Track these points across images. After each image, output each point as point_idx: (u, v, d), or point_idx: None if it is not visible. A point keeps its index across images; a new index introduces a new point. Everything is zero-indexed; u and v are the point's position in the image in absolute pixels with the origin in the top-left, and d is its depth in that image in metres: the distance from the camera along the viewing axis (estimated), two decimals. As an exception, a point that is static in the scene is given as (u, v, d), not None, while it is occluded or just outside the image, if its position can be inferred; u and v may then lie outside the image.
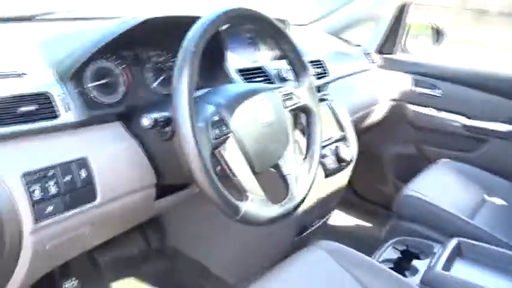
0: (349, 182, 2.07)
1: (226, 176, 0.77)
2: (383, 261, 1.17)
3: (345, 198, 2.05)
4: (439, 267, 1.05)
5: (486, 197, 1.44)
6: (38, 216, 0.70)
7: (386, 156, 2.00)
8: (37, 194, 0.70)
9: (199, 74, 1.06)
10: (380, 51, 1.97)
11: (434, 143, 1.87)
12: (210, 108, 0.76)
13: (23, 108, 0.73)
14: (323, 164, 1.23)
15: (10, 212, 0.68)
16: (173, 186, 0.96)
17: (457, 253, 1.15)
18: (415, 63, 1.92)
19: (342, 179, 1.37)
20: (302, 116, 1.00)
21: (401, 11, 1.88)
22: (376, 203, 2.02)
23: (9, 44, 0.90)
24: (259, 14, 0.85)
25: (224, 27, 0.96)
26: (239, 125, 0.79)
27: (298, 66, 0.96)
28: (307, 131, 0.98)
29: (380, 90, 1.83)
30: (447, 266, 1.08)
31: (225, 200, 0.71)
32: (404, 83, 1.90)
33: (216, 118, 0.75)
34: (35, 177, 0.70)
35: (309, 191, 0.90)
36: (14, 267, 0.75)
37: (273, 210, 0.80)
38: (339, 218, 2.03)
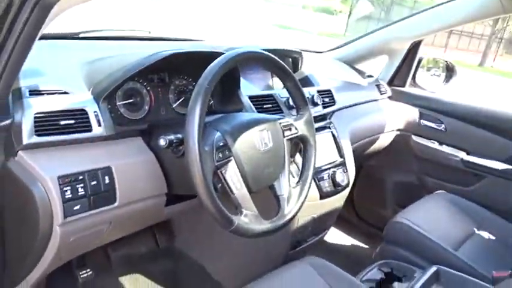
0: (351, 203, 2.18)
1: (225, 193, 0.91)
2: (366, 281, 1.28)
3: (346, 218, 2.17)
4: (414, 291, 1.16)
5: (475, 230, 1.52)
6: (67, 213, 0.85)
7: (388, 182, 2.10)
8: (68, 194, 0.85)
9: (216, 100, 1.21)
10: (391, 83, 2.08)
11: (434, 174, 1.97)
12: (217, 134, 0.90)
13: (64, 122, 0.88)
14: (319, 187, 1.36)
15: (45, 206, 0.83)
16: (181, 196, 1.10)
17: (435, 279, 1.25)
18: (422, 97, 2.02)
19: (337, 201, 1.49)
20: (300, 144, 1.13)
21: (414, 48, 1.98)
22: (374, 226, 2.12)
23: (55, 61, 1.04)
24: (267, 56, 0.99)
25: None
26: (240, 150, 0.92)
27: (299, 102, 1.10)
28: (302, 158, 1.11)
29: (387, 120, 1.94)
30: (424, 291, 1.18)
31: (221, 212, 0.84)
32: (411, 115, 2.01)
33: (221, 143, 0.89)
34: (67, 180, 0.85)
35: (298, 211, 1.03)
36: (43, 253, 0.90)
37: (263, 225, 0.93)
38: (336, 236, 2.14)
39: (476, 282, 1.20)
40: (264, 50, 1.02)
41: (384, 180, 2.12)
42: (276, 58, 1.01)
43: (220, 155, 0.88)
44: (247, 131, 0.95)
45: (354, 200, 2.21)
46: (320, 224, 1.48)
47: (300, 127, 1.07)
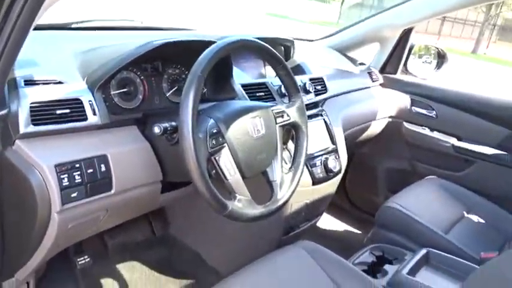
0: (344, 189, 2.22)
1: (219, 179, 0.93)
2: (358, 264, 1.31)
3: (338, 205, 2.20)
4: (405, 272, 1.19)
5: (465, 214, 1.56)
6: (64, 200, 0.87)
7: (380, 168, 2.14)
8: (65, 182, 0.86)
9: (209, 88, 1.23)
10: (383, 70, 2.11)
11: (425, 160, 2.00)
12: (210, 122, 0.92)
13: (59, 111, 0.89)
14: (312, 173, 1.38)
15: (43, 193, 0.85)
16: (176, 183, 1.13)
17: (425, 261, 1.29)
18: (414, 84, 2.04)
19: (330, 187, 1.52)
20: (292, 131, 1.15)
21: (405, 35, 2.00)
22: (367, 212, 2.15)
23: (50, 51, 1.05)
24: (259, 44, 1.01)
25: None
26: (234, 137, 0.94)
27: (291, 89, 1.12)
28: (295, 145, 1.13)
29: (379, 107, 1.96)
30: (413, 272, 1.22)
31: (215, 197, 0.86)
32: (402, 102, 2.03)
33: (214, 130, 0.91)
34: (64, 168, 0.87)
35: (290, 196, 1.05)
36: (41, 240, 0.92)
37: (257, 210, 0.95)
38: (329, 222, 2.18)
39: (464, 263, 1.24)
40: (256, 38, 1.04)
41: (376, 167, 2.15)
42: (268, 46, 1.03)
43: (214, 141, 0.90)
44: (240, 118, 0.97)
45: (347, 187, 2.25)
46: (313, 209, 1.50)
47: (292, 114, 1.09)
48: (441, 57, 2.15)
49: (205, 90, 1.23)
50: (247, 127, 0.97)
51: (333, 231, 2.15)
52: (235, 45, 0.95)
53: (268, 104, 1.08)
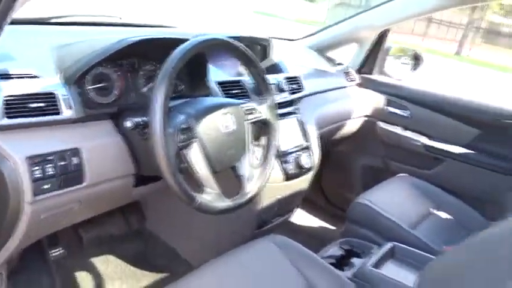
0: (319, 186, 2.27)
1: (189, 173, 0.96)
2: (327, 257, 1.36)
3: (314, 201, 2.25)
4: (370, 265, 1.25)
5: (433, 210, 1.62)
6: (36, 191, 0.89)
7: (355, 166, 2.19)
8: (37, 174, 0.89)
9: (185, 85, 1.26)
10: (360, 70, 2.16)
11: (398, 158, 2.06)
12: (181, 117, 0.95)
13: (34, 105, 0.91)
14: (284, 169, 1.42)
15: (15, 184, 0.87)
16: (150, 177, 1.15)
17: (391, 255, 1.34)
18: (389, 85, 2.10)
19: (302, 183, 1.56)
20: (262, 128, 1.19)
21: (382, 37, 2.06)
22: (341, 208, 2.20)
23: (26, 45, 1.07)
24: (231, 43, 1.05)
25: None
26: (204, 132, 0.98)
27: (262, 87, 1.16)
28: (265, 141, 1.17)
29: (355, 107, 2.02)
30: (379, 265, 1.27)
31: (184, 190, 0.90)
32: (378, 102, 2.09)
33: (185, 126, 0.94)
34: (36, 160, 0.89)
35: (259, 190, 1.09)
36: (14, 229, 0.94)
37: (225, 203, 0.99)
38: (304, 218, 2.23)
39: (428, 256, 1.30)
40: (231, 37, 1.07)
41: (351, 165, 2.20)
42: (240, 45, 1.06)
43: (184, 136, 0.94)
44: (211, 114, 1.00)
45: (322, 184, 2.30)
46: (285, 204, 1.55)
47: (263, 111, 1.13)
48: (417, 59, 2.21)
49: (183, 87, 1.26)
50: (217, 123, 1.01)
51: (307, 227, 2.20)
52: (207, 43, 0.98)
53: (239, 101, 1.12)
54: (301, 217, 2.20)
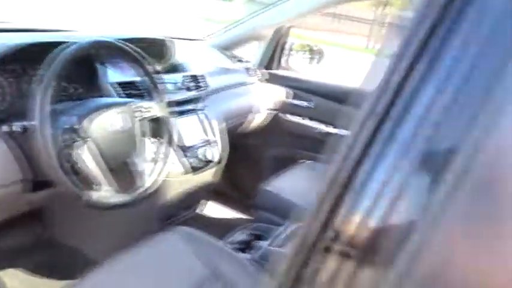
0: (230, 179, 2.35)
1: (81, 171, 0.98)
2: (229, 243, 1.43)
3: (225, 193, 2.33)
4: (273, 245, 1.34)
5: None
6: None
7: (264, 157, 2.31)
8: None
9: (79, 87, 1.26)
10: (263, 66, 2.27)
11: (303, 147, 2.21)
12: (65, 118, 0.97)
13: None
14: (189, 163, 1.47)
15: None
16: (47, 182, 1.14)
17: (295, 235, 1.45)
18: (292, 79, 2.23)
19: (208, 176, 1.62)
20: (158, 125, 1.23)
21: (279, 33, 2.18)
22: (253, 198, 2.31)
23: None
24: (115, 44, 1.08)
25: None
26: (95, 131, 1.00)
27: (150, 87, 1.20)
28: (159, 137, 1.21)
29: (258, 101, 2.12)
30: (283, 245, 1.37)
31: (69, 187, 0.92)
32: (282, 95, 2.21)
33: (67, 126, 0.96)
34: None
35: (154, 184, 1.14)
36: None
37: (121, 198, 1.02)
38: (217, 211, 2.30)
39: None
40: (121, 38, 1.10)
41: (260, 156, 2.31)
42: (125, 46, 1.10)
43: (67, 136, 0.95)
44: (101, 114, 1.03)
45: (234, 176, 2.38)
46: (191, 197, 1.60)
47: (153, 109, 1.18)
48: (319, 54, 2.38)
49: (80, 89, 1.25)
50: (107, 122, 1.04)
51: (221, 219, 2.27)
52: (89, 46, 1.00)
53: (128, 100, 1.15)
54: (215, 210, 2.26)
